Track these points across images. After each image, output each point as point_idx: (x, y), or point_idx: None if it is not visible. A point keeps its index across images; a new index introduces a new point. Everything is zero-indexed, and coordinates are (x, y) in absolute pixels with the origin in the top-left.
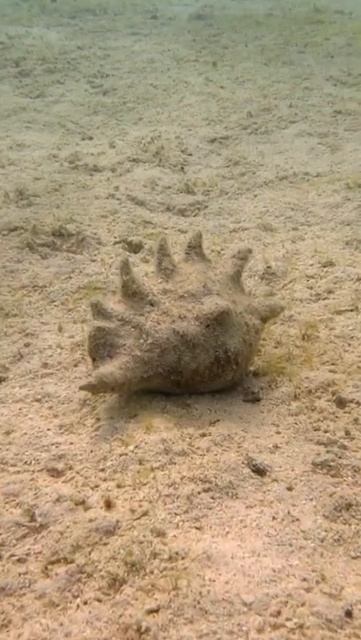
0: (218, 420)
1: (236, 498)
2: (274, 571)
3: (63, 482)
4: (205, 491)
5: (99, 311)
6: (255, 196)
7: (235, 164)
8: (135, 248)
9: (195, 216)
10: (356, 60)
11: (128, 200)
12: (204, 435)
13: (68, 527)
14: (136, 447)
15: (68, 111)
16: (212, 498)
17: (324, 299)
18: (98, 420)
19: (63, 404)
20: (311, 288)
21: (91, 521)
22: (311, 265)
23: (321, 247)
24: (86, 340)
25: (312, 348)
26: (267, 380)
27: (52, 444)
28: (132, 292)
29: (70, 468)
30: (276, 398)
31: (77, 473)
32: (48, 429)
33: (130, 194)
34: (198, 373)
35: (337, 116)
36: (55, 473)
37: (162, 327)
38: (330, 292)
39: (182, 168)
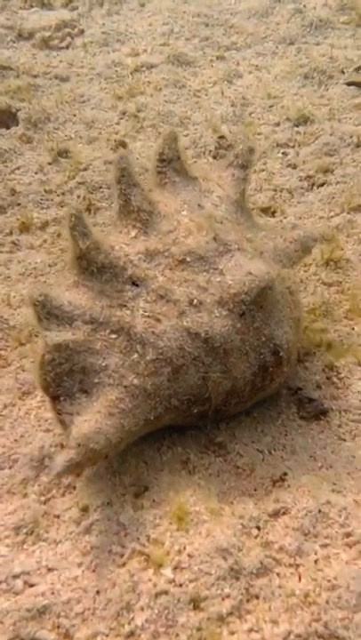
0: (285, 474)
1: None
2: None
3: None
4: None
5: (49, 312)
6: (142, 5)
7: None
8: (3, 118)
9: (69, 48)
10: None
11: None
12: (277, 514)
13: None
14: (176, 569)
15: None
16: None
17: (321, 184)
18: (84, 509)
19: (0, 469)
20: (295, 166)
21: None
22: (278, 124)
23: (273, 88)
24: (36, 367)
25: (351, 286)
26: (319, 366)
27: (15, 577)
28: (98, 267)
29: (67, 637)
30: (355, 407)
31: None
32: None
33: None
34: (235, 394)
35: None
36: None
37: (165, 327)
38: (326, 171)
39: None
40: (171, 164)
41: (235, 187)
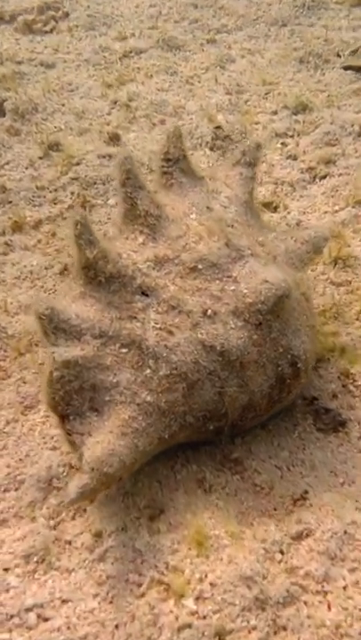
0: (306, 492)
1: None
2: None
3: None
4: None
5: (56, 326)
6: None
7: None
8: None
9: (54, 32)
10: None
11: None
12: (300, 536)
13: None
14: (198, 600)
15: None
16: None
17: (323, 176)
18: (97, 534)
19: (6, 490)
20: (295, 157)
21: None
22: (275, 113)
23: (268, 73)
24: (44, 386)
25: None
26: (334, 374)
27: (27, 610)
28: (106, 277)
29: None
30: None
31: None
32: (5, 569)
33: None
34: (252, 408)
35: None
36: None
37: (178, 340)
38: (328, 162)
39: None
40: (177, 163)
41: (243, 186)
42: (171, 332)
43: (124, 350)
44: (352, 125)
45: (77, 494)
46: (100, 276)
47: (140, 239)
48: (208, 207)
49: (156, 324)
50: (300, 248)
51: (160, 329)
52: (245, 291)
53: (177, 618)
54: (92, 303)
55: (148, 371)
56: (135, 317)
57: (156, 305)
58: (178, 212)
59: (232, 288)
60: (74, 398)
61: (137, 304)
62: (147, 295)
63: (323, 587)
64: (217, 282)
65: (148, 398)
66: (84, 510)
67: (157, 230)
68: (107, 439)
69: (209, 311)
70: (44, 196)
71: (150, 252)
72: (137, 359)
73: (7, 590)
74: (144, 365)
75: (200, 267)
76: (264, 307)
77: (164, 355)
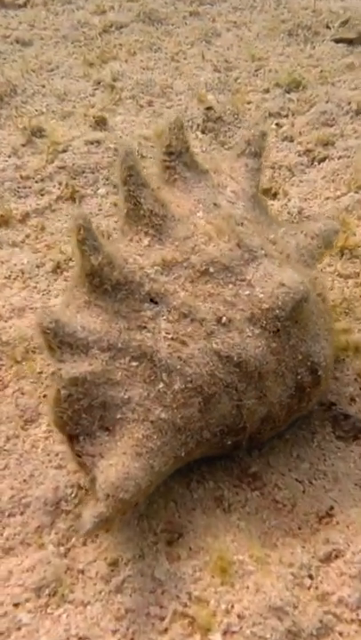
0: (331, 509)
1: None
2: None
3: None
4: None
5: (62, 340)
6: None
7: None
8: None
9: (27, 6)
10: None
11: None
12: (328, 558)
13: None
14: (226, 634)
15: None
16: None
17: (322, 159)
18: (112, 563)
19: (10, 515)
20: (291, 139)
21: None
22: (267, 91)
23: (257, 48)
24: (51, 405)
25: None
26: (351, 376)
27: None
28: (112, 285)
29: None
30: None
31: None
32: (15, 604)
33: None
34: (271, 419)
35: None
36: None
37: (192, 350)
38: (326, 143)
39: None
40: (180, 157)
41: (249, 179)
42: (184, 343)
43: (134, 364)
44: (349, 103)
45: (93, 524)
46: (105, 283)
47: (146, 241)
48: (215, 204)
49: (168, 333)
50: (310, 243)
51: (172, 339)
52: (261, 295)
53: None
54: (98, 313)
55: (162, 385)
56: (145, 327)
57: (166, 313)
58: (184, 210)
59: (247, 293)
60: (83, 417)
61: (146, 312)
62: (156, 302)
63: (357, 614)
64: (230, 286)
65: (163, 415)
66: (96, 535)
67: (163, 231)
68: (120, 461)
69: (223, 318)
70: (30, 187)
71: (157, 256)
72: (149, 373)
73: (19, 628)
74: (157, 379)
75: (211, 270)
76: (282, 312)
77: (178, 367)
